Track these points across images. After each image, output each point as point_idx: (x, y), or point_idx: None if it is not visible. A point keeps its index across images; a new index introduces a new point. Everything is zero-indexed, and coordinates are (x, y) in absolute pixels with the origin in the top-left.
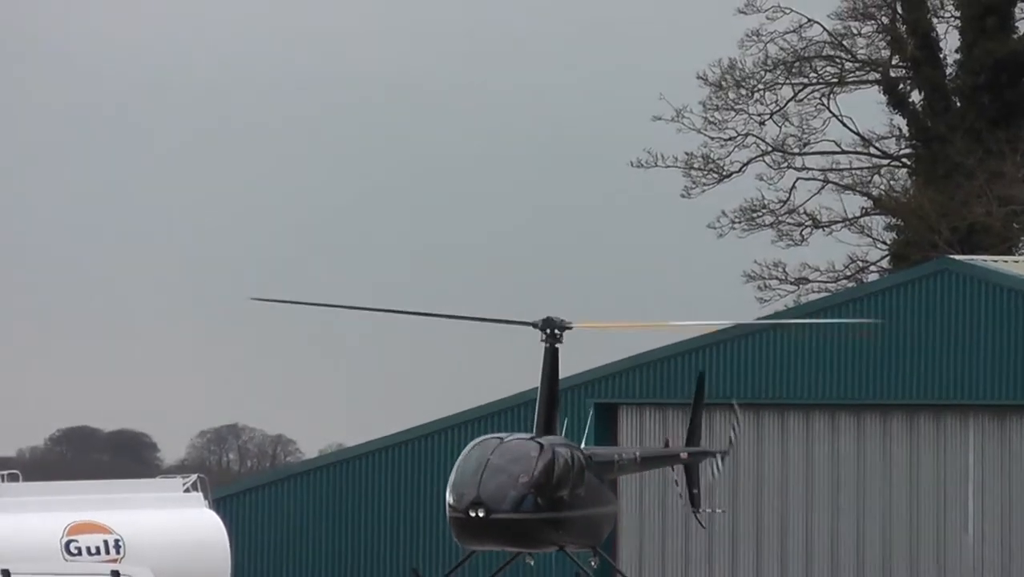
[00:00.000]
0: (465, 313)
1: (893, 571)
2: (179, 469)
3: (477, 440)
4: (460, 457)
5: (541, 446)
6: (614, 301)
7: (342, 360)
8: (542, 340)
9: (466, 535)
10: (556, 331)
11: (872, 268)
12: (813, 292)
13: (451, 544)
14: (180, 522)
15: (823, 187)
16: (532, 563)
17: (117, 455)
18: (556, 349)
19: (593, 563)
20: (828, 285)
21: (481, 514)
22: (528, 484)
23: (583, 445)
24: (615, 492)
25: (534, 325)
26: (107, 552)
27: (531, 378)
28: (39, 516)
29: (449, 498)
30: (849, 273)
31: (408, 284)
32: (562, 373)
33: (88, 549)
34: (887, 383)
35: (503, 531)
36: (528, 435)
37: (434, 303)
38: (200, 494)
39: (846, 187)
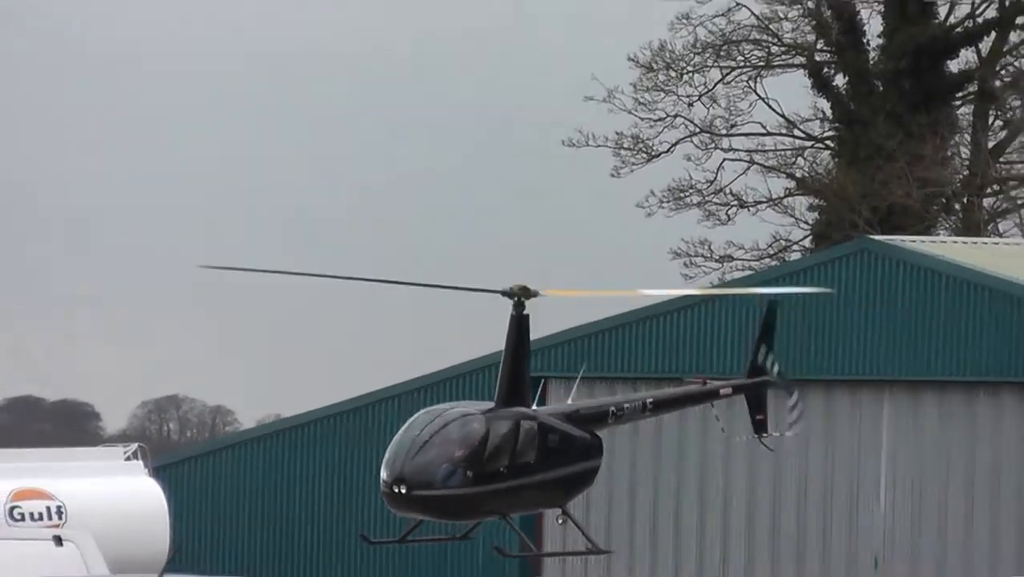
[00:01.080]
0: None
1: (807, 538)
2: (121, 438)
3: (421, 412)
4: (400, 429)
5: (475, 419)
6: (544, 276)
7: (281, 331)
8: (512, 309)
9: (396, 508)
10: (521, 299)
11: (795, 247)
12: (737, 270)
13: (384, 514)
14: (121, 489)
15: (749, 168)
16: (561, 522)
17: (60, 425)
18: (524, 316)
19: (559, 521)
20: (752, 263)
21: (403, 491)
22: (453, 461)
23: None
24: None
25: (504, 293)
26: (49, 518)
27: (472, 351)
28: None
29: (382, 471)
30: (772, 252)
31: (347, 255)
32: (493, 348)
33: (31, 515)
34: (805, 359)
35: (427, 506)
36: (475, 406)
37: (381, 272)
38: (140, 462)
39: (771, 168)
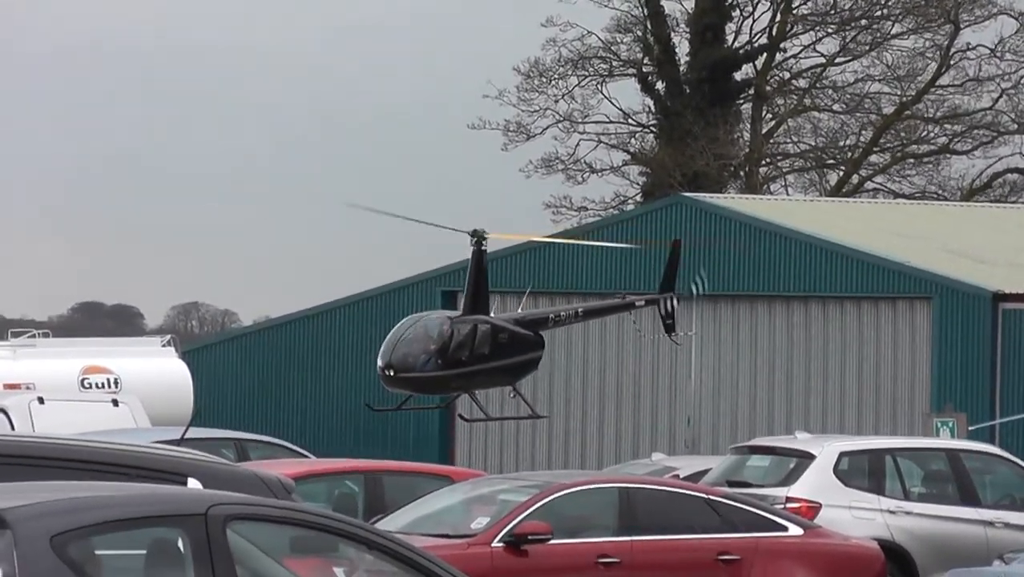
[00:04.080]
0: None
1: (643, 403)
2: (159, 331)
3: (406, 318)
4: (393, 328)
5: (444, 321)
6: (463, 222)
7: (275, 252)
8: (471, 244)
9: (388, 385)
10: (481, 238)
11: (629, 201)
12: (589, 217)
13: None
14: (159, 367)
15: (597, 145)
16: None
17: (117, 321)
18: (482, 251)
19: (512, 396)
20: (600, 212)
21: (392, 373)
22: (428, 352)
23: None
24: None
25: (468, 233)
26: (109, 386)
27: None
28: (64, 361)
29: (378, 359)
30: (614, 204)
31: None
32: (416, 270)
33: (96, 384)
34: (636, 286)
35: (410, 384)
36: (445, 313)
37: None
38: (173, 348)
39: (613, 145)
